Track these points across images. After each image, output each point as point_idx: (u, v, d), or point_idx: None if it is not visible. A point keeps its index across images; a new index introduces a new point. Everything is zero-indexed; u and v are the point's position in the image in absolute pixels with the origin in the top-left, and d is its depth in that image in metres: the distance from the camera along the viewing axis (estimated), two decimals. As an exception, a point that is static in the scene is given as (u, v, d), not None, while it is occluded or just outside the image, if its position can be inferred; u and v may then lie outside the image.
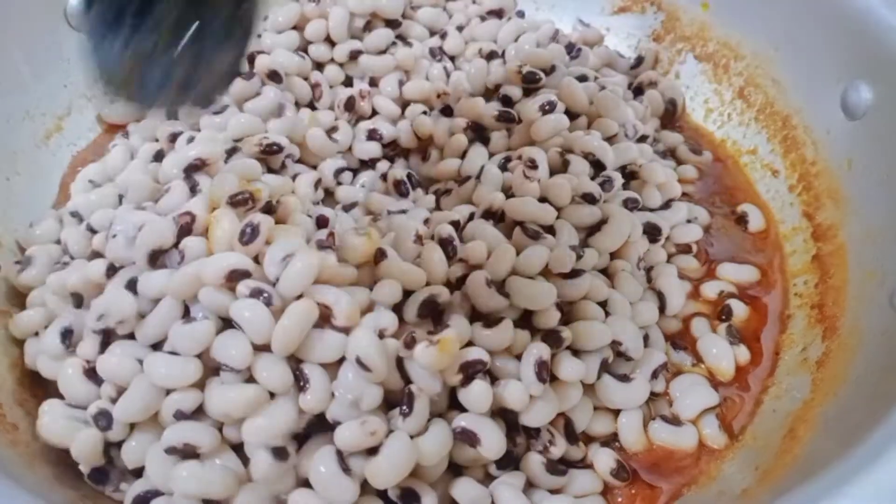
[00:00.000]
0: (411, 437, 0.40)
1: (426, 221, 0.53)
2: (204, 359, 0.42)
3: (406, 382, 0.43)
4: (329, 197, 0.62)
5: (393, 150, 0.65)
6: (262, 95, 0.61)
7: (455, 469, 0.44)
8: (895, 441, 0.35)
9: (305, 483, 0.40)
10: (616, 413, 0.48)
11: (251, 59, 0.62)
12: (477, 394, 0.42)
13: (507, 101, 0.62)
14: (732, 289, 0.57)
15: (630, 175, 0.58)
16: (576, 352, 0.47)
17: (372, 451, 0.40)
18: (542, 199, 0.52)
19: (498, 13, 0.73)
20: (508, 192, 0.54)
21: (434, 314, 0.45)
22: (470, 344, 0.44)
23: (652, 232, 0.55)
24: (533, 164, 0.54)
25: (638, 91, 0.70)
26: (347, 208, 0.60)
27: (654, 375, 0.50)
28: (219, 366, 0.42)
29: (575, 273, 0.48)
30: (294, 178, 0.59)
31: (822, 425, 0.45)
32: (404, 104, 0.66)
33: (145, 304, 0.44)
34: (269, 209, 0.50)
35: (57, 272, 0.50)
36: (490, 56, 0.68)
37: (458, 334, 0.43)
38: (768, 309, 0.57)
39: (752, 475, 0.45)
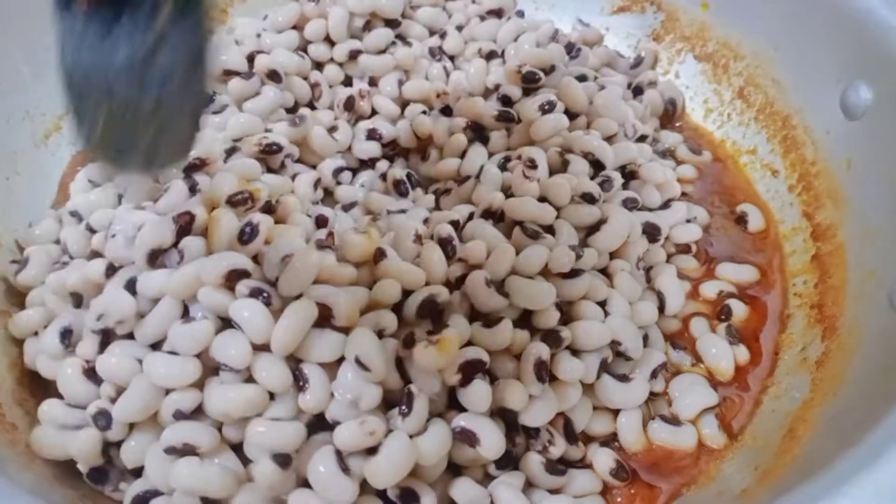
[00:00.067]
0: (410, 436, 0.40)
1: (426, 221, 0.53)
2: (203, 359, 0.42)
3: (405, 382, 0.43)
4: (328, 197, 0.62)
5: (392, 149, 0.65)
6: (262, 95, 0.61)
7: (454, 469, 0.44)
8: (895, 441, 0.35)
9: (305, 483, 0.40)
10: (615, 413, 0.48)
11: (251, 59, 0.62)
12: (476, 393, 0.42)
13: (507, 101, 0.62)
14: (732, 289, 0.57)
15: (629, 175, 0.58)
16: (575, 351, 0.46)
17: (371, 451, 0.40)
18: (542, 199, 0.52)
19: (497, 13, 0.73)
20: (508, 192, 0.54)
21: (433, 314, 0.45)
22: (469, 344, 0.44)
23: (651, 232, 0.55)
24: (532, 164, 0.54)
25: (637, 91, 0.69)
26: (347, 208, 0.60)
27: (654, 375, 0.50)
28: (218, 366, 0.42)
29: (574, 273, 0.48)
30: (293, 177, 0.59)
31: (822, 425, 0.45)
32: (404, 104, 0.66)
33: (144, 303, 0.44)
34: (268, 209, 0.50)
35: (56, 272, 0.50)
36: (489, 56, 0.68)
37: (458, 334, 0.43)
38: (768, 309, 0.57)
39: (752, 475, 0.45)
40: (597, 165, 0.56)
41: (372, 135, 0.64)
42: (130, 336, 0.44)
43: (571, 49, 0.70)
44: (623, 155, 0.57)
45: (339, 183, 0.62)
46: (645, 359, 0.49)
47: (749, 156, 0.67)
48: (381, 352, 0.41)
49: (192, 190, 0.50)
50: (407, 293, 0.45)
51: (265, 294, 0.42)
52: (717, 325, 0.55)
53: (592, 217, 0.51)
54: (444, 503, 0.43)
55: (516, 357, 0.45)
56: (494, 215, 0.52)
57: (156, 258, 0.45)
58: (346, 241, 0.46)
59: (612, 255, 0.52)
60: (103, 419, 0.42)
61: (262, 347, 0.41)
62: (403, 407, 0.41)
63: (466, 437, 0.42)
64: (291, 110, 0.64)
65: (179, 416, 0.41)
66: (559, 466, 0.45)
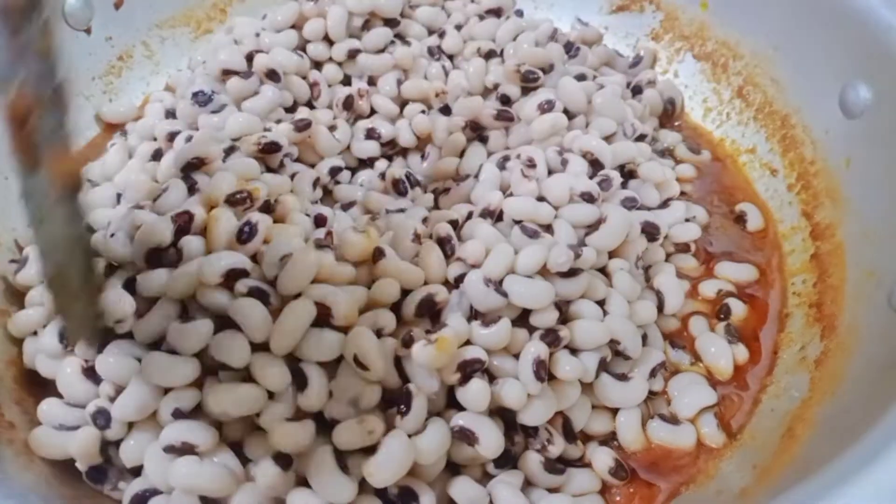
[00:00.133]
0: (409, 435, 0.40)
1: (424, 220, 0.52)
2: (202, 358, 0.42)
3: (404, 381, 0.43)
4: (327, 196, 0.62)
5: (391, 148, 0.65)
6: (261, 94, 0.61)
7: (453, 468, 0.44)
8: (893, 440, 0.35)
9: (304, 482, 0.40)
10: (614, 412, 0.48)
11: (249, 58, 0.62)
12: (475, 393, 0.42)
13: (506, 100, 0.62)
14: (731, 287, 0.57)
15: (628, 174, 0.58)
16: (574, 351, 0.47)
17: (370, 450, 0.40)
18: (541, 198, 0.52)
19: (496, 12, 0.73)
20: (507, 191, 0.54)
21: (432, 313, 0.45)
22: (468, 343, 0.44)
23: (650, 231, 0.55)
24: (531, 163, 0.54)
25: (636, 90, 0.69)
26: (346, 207, 0.60)
27: (653, 374, 0.50)
28: (217, 365, 0.42)
29: (573, 272, 0.48)
30: (292, 176, 0.59)
31: (821, 424, 0.45)
32: (403, 103, 0.65)
33: (143, 303, 0.44)
34: (267, 208, 0.50)
35: (55, 271, 0.49)
36: (488, 55, 0.68)
37: (456, 333, 0.43)
38: (767, 308, 0.57)
39: (751, 474, 0.45)
40: (595, 165, 0.56)
41: (371, 134, 0.64)
42: (129, 335, 0.44)
43: (570, 48, 0.69)
44: (622, 154, 0.57)
45: (337, 182, 0.62)
46: (644, 358, 0.49)
47: (748, 155, 0.67)
48: (379, 351, 0.41)
49: (191, 189, 0.50)
50: (406, 292, 0.45)
51: (264, 293, 0.42)
52: (716, 324, 0.55)
53: (591, 216, 0.51)
54: (443, 502, 0.43)
55: (515, 356, 0.45)
56: (493, 214, 0.52)
57: (155, 257, 0.45)
58: (344, 241, 0.46)
59: (611, 255, 0.52)
60: (102, 418, 0.42)
61: (260, 347, 0.41)
62: (402, 406, 0.41)
63: (465, 436, 0.42)
64: (290, 110, 0.64)
65: (178, 415, 0.41)
66: (558, 465, 0.45)
